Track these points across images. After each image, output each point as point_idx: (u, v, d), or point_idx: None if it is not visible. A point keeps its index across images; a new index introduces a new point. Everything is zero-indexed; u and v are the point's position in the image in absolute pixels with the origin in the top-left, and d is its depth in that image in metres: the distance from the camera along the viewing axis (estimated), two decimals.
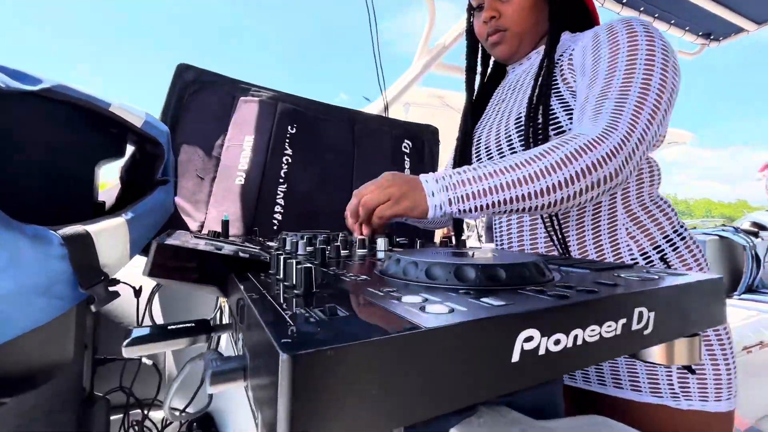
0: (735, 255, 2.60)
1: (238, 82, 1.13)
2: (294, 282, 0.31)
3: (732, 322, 1.83)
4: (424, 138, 1.34)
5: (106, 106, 0.66)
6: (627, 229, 0.66)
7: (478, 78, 0.94)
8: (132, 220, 0.64)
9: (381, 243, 0.62)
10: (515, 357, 0.23)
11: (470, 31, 0.89)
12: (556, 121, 0.67)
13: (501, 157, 0.76)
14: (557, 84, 0.69)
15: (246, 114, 1.11)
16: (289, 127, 1.15)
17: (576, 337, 0.26)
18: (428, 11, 1.66)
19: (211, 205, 1.01)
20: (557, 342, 0.25)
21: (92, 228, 0.57)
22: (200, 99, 1.06)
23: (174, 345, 0.44)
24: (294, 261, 0.31)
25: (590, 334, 0.26)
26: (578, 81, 0.66)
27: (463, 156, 0.85)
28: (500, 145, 0.76)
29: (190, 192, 1.00)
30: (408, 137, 1.31)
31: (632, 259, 0.66)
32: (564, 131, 0.66)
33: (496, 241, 0.80)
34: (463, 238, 0.76)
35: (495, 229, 0.81)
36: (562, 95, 0.68)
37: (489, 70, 0.94)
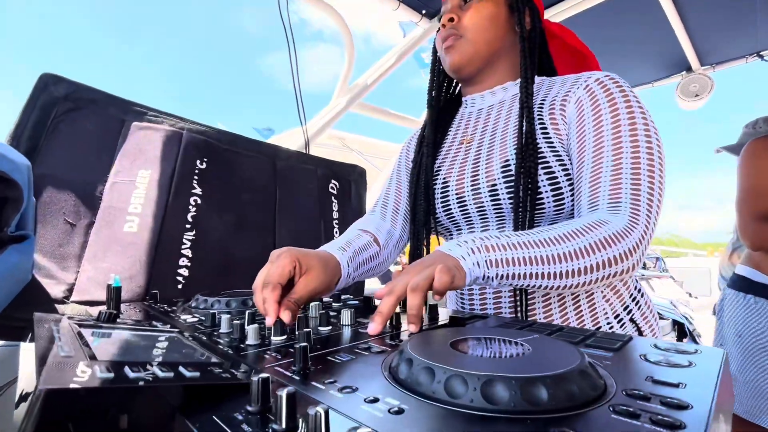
0: None
1: (130, 104, 0.91)
2: None
3: None
4: (352, 179, 1.26)
5: None
6: (603, 293, 0.66)
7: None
8: None
9: (347, 316, 0.51)
10: None
11: (435, 60, 0.84)
12: (549, 170, 0.63)
13: (479, 206, 0.69)
14: (546, 128, 0.66)
15: (141, 143, 0.89)
16: (198, 162, 0.96)
17: None
18: (346, 50, 1.64)
19: (86, 260, 0.76)
20: None
21: None
22: (74, 121, 0.82)
23: None
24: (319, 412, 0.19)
25: None
26: (572, 143, 0.64)
27: (422, 195, 0.75)
28: (479, 192, 0.68)
29: (53, 244, 0.74)
30: (335, 177, 1.22)
31: (608, 323, 0.65)
32: (557, 180, 0.63)
33: (458, 300, 0.74)
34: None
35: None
36: (552, 142, 0.65)
37: (442, 101, 0.85)
